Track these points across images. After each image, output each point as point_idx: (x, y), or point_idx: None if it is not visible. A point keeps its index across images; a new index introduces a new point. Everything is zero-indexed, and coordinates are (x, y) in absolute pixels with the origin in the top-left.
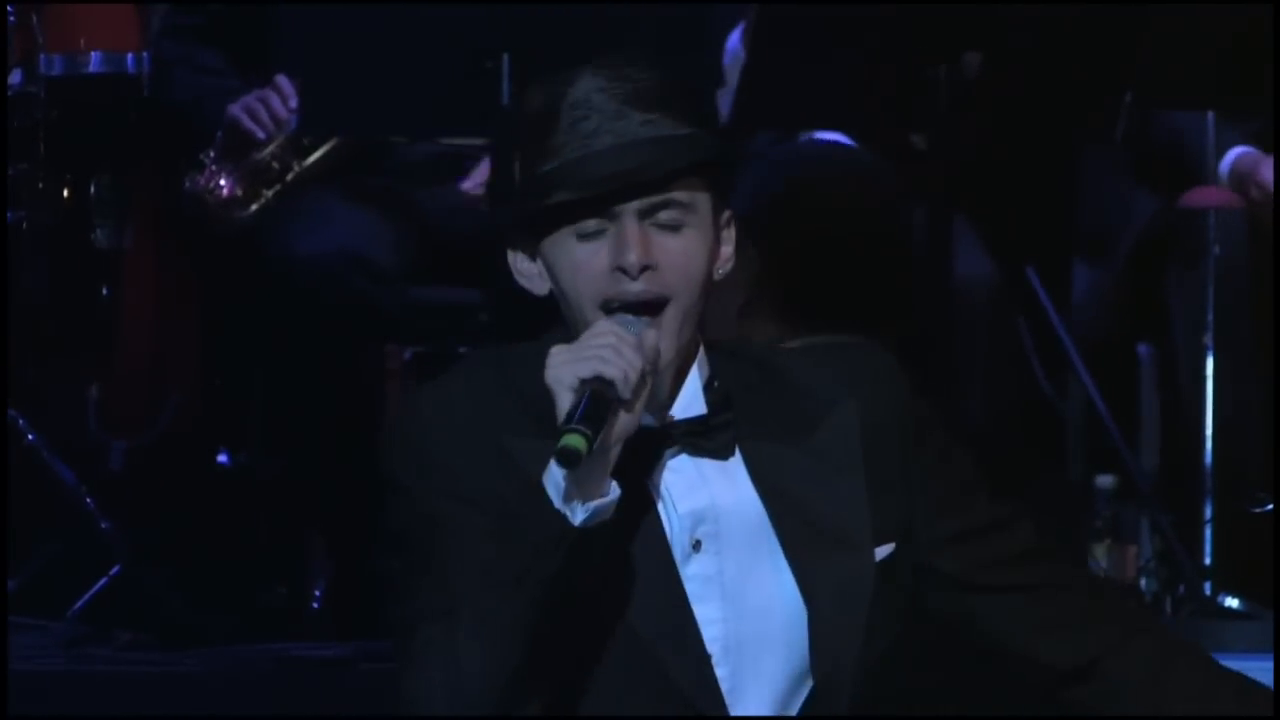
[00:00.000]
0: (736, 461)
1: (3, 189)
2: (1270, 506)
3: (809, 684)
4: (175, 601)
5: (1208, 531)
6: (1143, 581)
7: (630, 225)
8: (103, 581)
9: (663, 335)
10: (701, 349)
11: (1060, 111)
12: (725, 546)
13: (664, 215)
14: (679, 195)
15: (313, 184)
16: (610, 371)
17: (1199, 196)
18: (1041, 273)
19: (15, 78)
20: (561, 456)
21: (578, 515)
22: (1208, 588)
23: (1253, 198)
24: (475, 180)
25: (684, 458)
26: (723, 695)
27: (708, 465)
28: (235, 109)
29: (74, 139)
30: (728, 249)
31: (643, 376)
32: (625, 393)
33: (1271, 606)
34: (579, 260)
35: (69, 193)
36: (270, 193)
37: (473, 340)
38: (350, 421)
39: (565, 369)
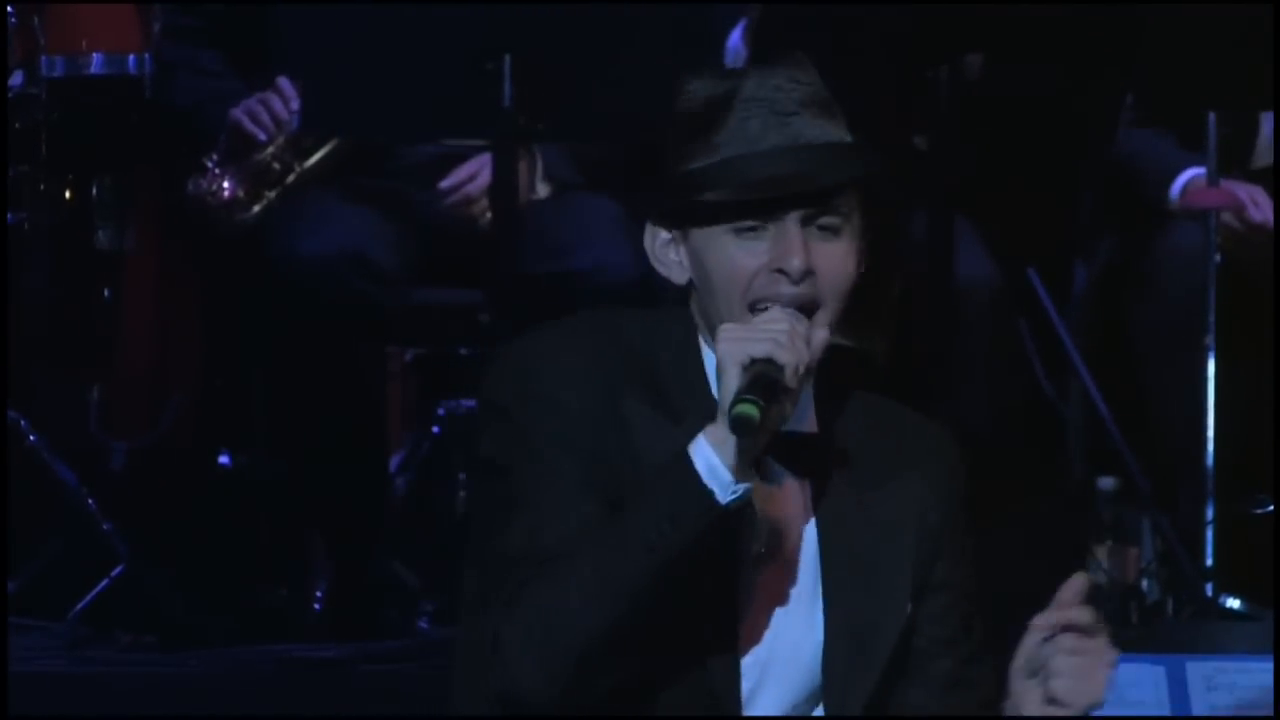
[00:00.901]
0: (804, 487)
1: (3, 190)
2: (1271, 508)
3: (816, 713)
4: (176, 603)
5: (1209, 533)
6: (1144, 583)
7: (794, 229)
8: (104, 583)
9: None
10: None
11: (1061, 113)
12: (786, 564)
13: (824, 220)
14: (839, 202)
15: (314, 185)
16: (784, 356)
17: (1200, 198)
18: (1043, 274)
19: (17, 79)
20: (736, 424)
21: (726, 494)
22: (1209, 589)
23: (1226, 223)
24: (457, 177)
25: (775, 467)
26: (741, 700)
27: (790, 480)
28: (237, 112)
29: (75, 140)
30: (869, 255)
31: (807, 370)
32: (791, 381)
33: (1273, 607)
34: (734, 257)
35: (70, 194)
36: (272, 194)
37: (474, 341)
38: (351, 423)
39: (739, 345)
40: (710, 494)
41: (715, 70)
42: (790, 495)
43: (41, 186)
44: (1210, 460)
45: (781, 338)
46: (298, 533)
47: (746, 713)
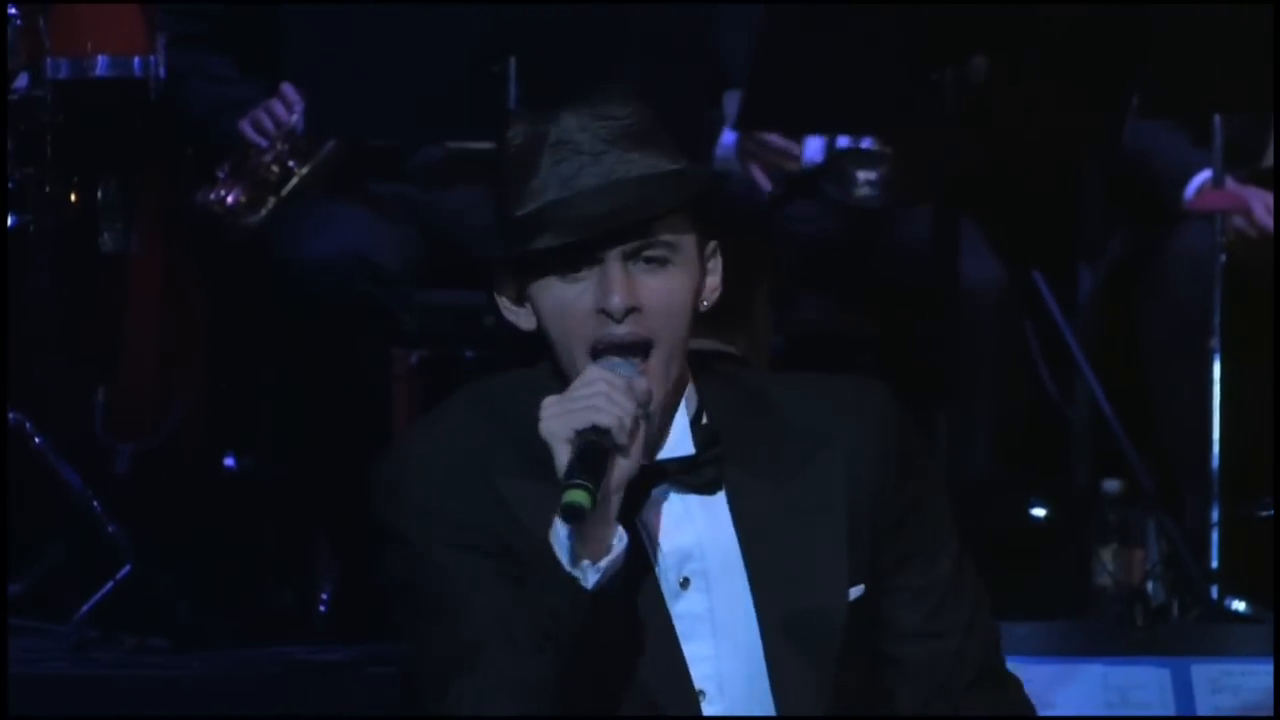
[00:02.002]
0: (722, 497)
1: (4, 193)
2: (1274, 511)
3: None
4: (182, 605)
5: (1214, 535)
6: (1149, 585)
7: (614, 268)
8: (109, 584)
9: (652, 378)
10: (690, 380)
11: (1066, 115)
12: (714, 583)
13: (648, 254)
14: (663, 234)
15: (319, 188)
16: (604, 420)
17: (1205, 200)
18: (1048, 276)
19: (22, 81)
20: (566, 513)
21: (590, 578)
22: (1214, 591)
23: (1237, 228)
24: None
25: (671, 494)
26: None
27: (694, 501)
28: (242, 124)
29: (80, 142)
30: (713, 279)
31: (636, 420)
32: (621, 439)
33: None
34: (564, 302)
35: (75, 196)
36: (275, 198)
37: (479, 343)
38: (356, 425)
39: (559, 421)
40: (575, 582)
41: (532, 112)
42: (700, 514)
43: (46, 189)
44: (1216, 463)
45: (597, 400)
46: (303, 535)
47: None
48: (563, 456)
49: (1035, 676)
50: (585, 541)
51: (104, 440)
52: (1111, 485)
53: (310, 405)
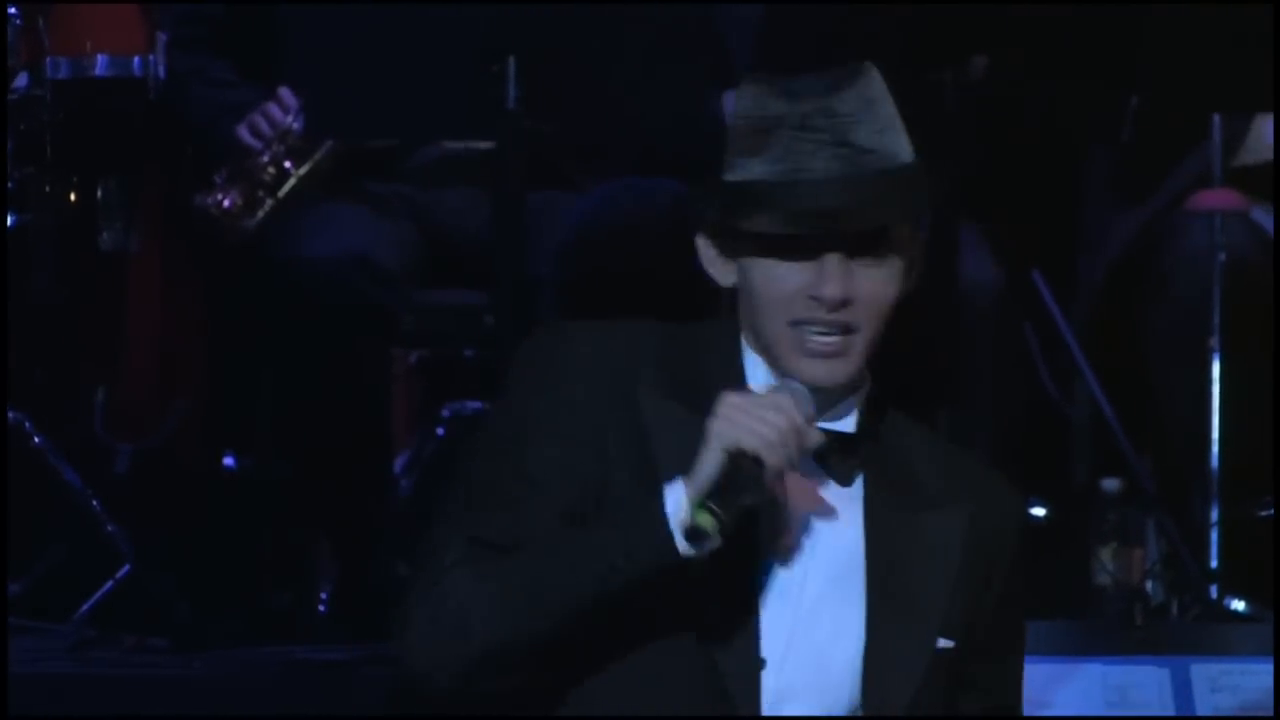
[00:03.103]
0: (853, 494)
1: (4, 192)
2: (1272, 511)
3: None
4: (181, 605)
5: (1214, 535)
6: (1149, 585)
7: (834, 260)
8: (109, 584)
9: (850, 359)
10: (868, 375)
11: (1066, 114)
12: (813, 563)
13: (868, 248)
14: (887, 230)
15: (318, 188)
16: (770, 459)
17: (1204, 199)
18: (1047, 276)
19: (21, 80)
20: (690, 533)
21: (683, 544)
22: (1214, 591)
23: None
24: None
25: (809, 464)
26: (760, 701)
27: (825, 476)
28: (239, 128)
29: (80, 142)
30: (916, 269)
31: (792, 465)
32: (770, 479)
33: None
34: (776, 276)
35: (75, 195)
36: (272, 199)
37: (479, 343)
38: (356, 424)
39: (730, 428)
40: (670, 541)
41: (774, 81)
42: (826, 494)
43: (46, 188)
44: (1215, 462)
45: (773, 435)
46: (303, 535)
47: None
48: (711, 464)
49: (1034, 676)
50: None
51: (103, 440)
52: (1111, 484)
53: (310, 405)
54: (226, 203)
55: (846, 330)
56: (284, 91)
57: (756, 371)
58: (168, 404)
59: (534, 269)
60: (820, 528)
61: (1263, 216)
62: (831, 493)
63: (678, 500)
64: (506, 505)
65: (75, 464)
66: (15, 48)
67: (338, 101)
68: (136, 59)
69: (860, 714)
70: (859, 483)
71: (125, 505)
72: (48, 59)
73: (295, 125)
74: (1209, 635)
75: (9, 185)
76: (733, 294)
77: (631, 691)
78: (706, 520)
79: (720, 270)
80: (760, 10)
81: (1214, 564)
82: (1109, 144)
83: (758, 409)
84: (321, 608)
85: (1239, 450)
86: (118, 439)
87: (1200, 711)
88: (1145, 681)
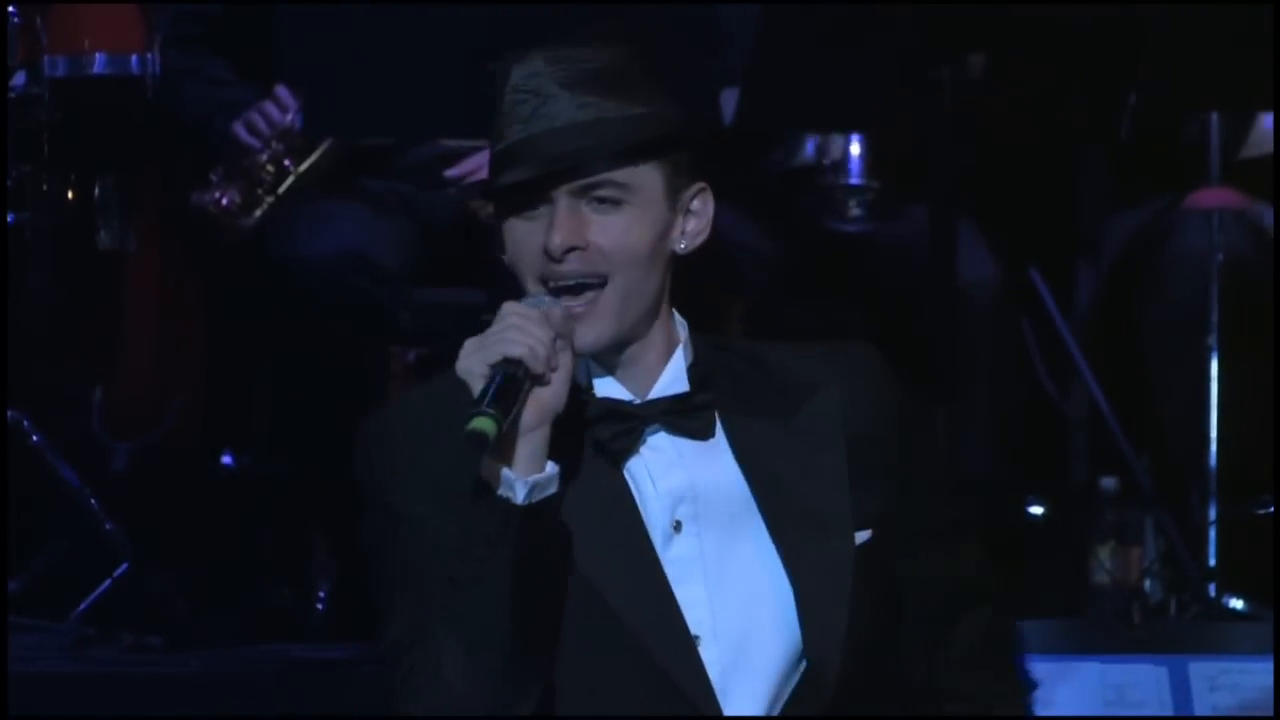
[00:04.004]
0: (718, 443)
1: (2, 191)
2: (1272, 509)
3: (801, 666)
4: (179, 603)
5: (1212, 533)
6: (1147, 583)
7: (560, 208)
8: (107, 583)
9: (601, 314)
10: (686, 337)
11: (1064, 112)
12: (705, 527)
13: (598, 194)
14: (617, 175)
15: (316, 186)
16: (514, 350)
17: (1203, 197)
18: (1045, 274)
19: (19, 79)
20: (470, 440)
21: (519, 493)
22: (1212, 589)
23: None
24: (463, 169)
25: (664, 437)
26: (709, 678)
27: (687, 445)
28: (236, 127)
29: (78, 140)
30: (695, 222)
31: (553, 347)
32: (536, 367)
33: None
34: (518, 240)
35: (73, 194)
36: (270, 198)
37: None
38: (354, 423)
39: (473, 359)
40: (507, 502)
41: (509, 53)
42: (694, 458)
43: (44, 186)
44: (1214, 461)
45: (509, 333)
46: (301, 532)
47: (735, 689)
48: (477, 383)
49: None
50: (518, 466)
51: (101, 438)
52: (1109, 483)
53: (308, 403)
54: (224, 201)
55: (588, 286)
56: (281, 90)
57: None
58: (165, 402)
59: None
60: (700, 490)
61: (1263, 212)
62: (697, 451)
63: (489, 467)
64: (414, 584)
65: (73, 462)
66: (13, 46)
67: (336, 100)
68: (134, 58)
69: (804, 640)
70: (719, 431)
71: (123, 503)
72: (46, 57)
73: (293, 124)
74: (1207, 634)
75: (7, 183)
76: None
77: (587, 696)
78: (479, 422)
79: (501, 249)
80: (760, 10)
81: (1212, 562)
82: (1107, 144)
83: (486, 331)
84: (319, 606)
85: (1237, 449)
86: (115, 437)
87: (1198, 710)
88: (1143, 680)
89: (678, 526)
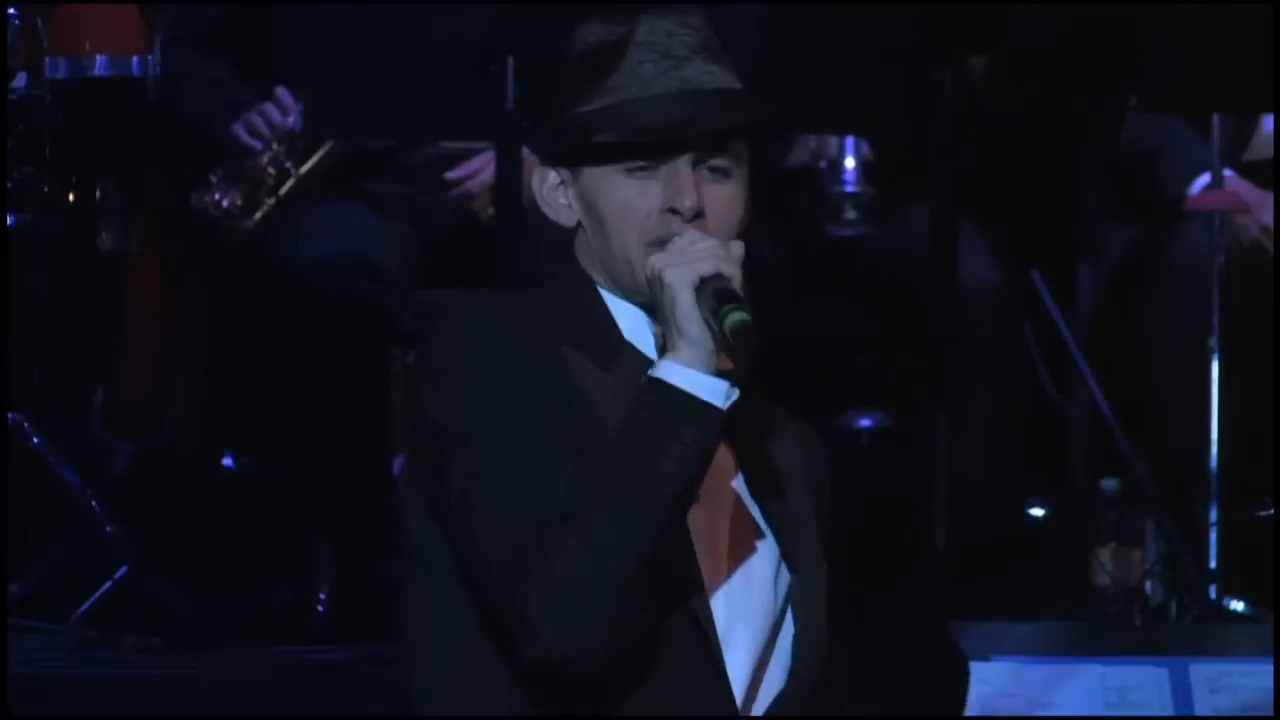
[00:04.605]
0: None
1: (3, 192)
2: (1273, 511)
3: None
4: (180, 604)
5: (1213, 535)
6: (1148, 585)
7: (686, 169)
8: (108, 585)
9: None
10: None
11: (1065, 115)
12: (720, 501)
13: (714, 162)
14: (732, 146)
15: (317, 188)
16: (727, 269)
17: (1203, 199)
18: (1046, 276)
19: (20, 81)
20: (738, 331)
21: (723, 399)
22: (1213, 591)
23: (1239, 234)
24: (463, 171)
25: None
26: (718, 632)
27: None
28: (236, 127)
29: (79, 142)
30: (750, 212)
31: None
32: (737, 288)
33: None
34: (628, 197)
35: (74, 196)
36: (271, 200)
37: None
38: (355, 425)
39: (682, 269)
40: (710, 405)
41: (607, 14)
42: None
43: (45, 188)
44: (1214, 462)
45: (719, 250)
46: (302, 534)
47: (725, 645)
48: (687, 302)
49: (1033, 676)
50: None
51: (102, 440)
52: (1110, 485)
53: (309, 405)
54: (225, 202)
55: None
56: (282, 91)
57: (624, 318)
58: (167, 404)
59: (533, 268)
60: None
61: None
62: None
63: (686, 376)
64: (531, 480)
65: (74, 464)
66: (14, 48)
67: (337, 102)
68: (135, 59)
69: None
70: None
71: (124, 505)
72: (47, 59)
73: (294, 125)
74: (1208, 636)
75: (8, 185)
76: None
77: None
78: (741, 314)
79: (560, 207)
80: (760, 10)
81: (1213, 564)
82: (1107, 145)
83: (684, 247)
84: (321, 608)
85: (1238, 451)
86: (117, 439)
87: (1199, 712)
88: (1144, 682)
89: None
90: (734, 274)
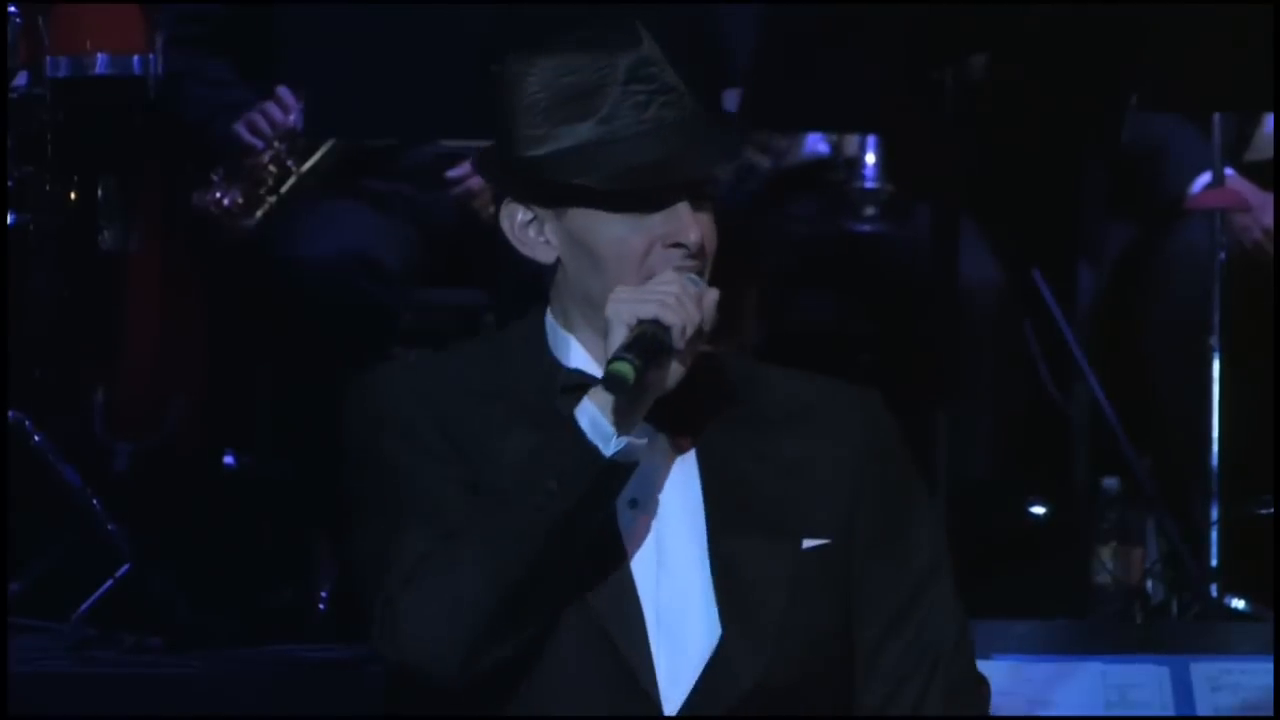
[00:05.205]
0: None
1: (4, 191)
2: (1274, 509)
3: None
4: (181, 603)
5: (1214, 533)
6: (1149, 584)
7: (684, 204)
8: (108, 583)
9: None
10: None
11: (1065, 114)
12: (656, 508)
13: (703, 191)
14: (717, 174)
15: (317, 187)
16: (670, 318)
17: (1204, 198)
18: (1047, 275)
19: (21, 80)
20: (609, 380)
21: (609, 447)
22: (1214, 590)
23: (1240, 237)
24: (464, 169)
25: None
26: (650, 650)
27: (653, 433)
28: (238, 126)
29: (80, 141)
30: None
31: (698, 332)
32: (678, 342)
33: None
34: (622, 236)
35: (75, 195)
36: (271, 199)
37: None
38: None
39: (626, 306)
40: (594, 448)
41: (563, 49)
42: (657, 448)
43: (46, 187)
44: (1215, 461)
45: (669, 299)
46: (302, 533)
47: (659, 667)
48: (618, 337)
49: (1034, 675)
50: (617, 417)
51: (103, 439)
52: (1111, 483)
53: (309, 404)
54: (226, 201)
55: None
56: (283, 90)
57: (568, 352)
58: (167, 403)
59: (534, 267)
60: (655, 475)
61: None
62: (659, 443)
63: (589, 413)
64: (429, 513)
65: (75, 463)
66: (15, 47)
67: (338, 101)
68: (136, 58)
69: (722, 636)
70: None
71: (125, 504)
72: (47, 58)
73: (295, 124)
74: (1209, 634)
75: (9, 184)
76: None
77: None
78: (621, 366)
79: (538, 246)
80: (760, 10)
81: (1214, 563)
82: (1107, 145)
83: (647, 287)
84: (321, 606)
85: (1239, 449)
86: (117, 438)
87: (1200, 711)
88: (1145, 681)
89: (633, 504)
90: (675, 323)
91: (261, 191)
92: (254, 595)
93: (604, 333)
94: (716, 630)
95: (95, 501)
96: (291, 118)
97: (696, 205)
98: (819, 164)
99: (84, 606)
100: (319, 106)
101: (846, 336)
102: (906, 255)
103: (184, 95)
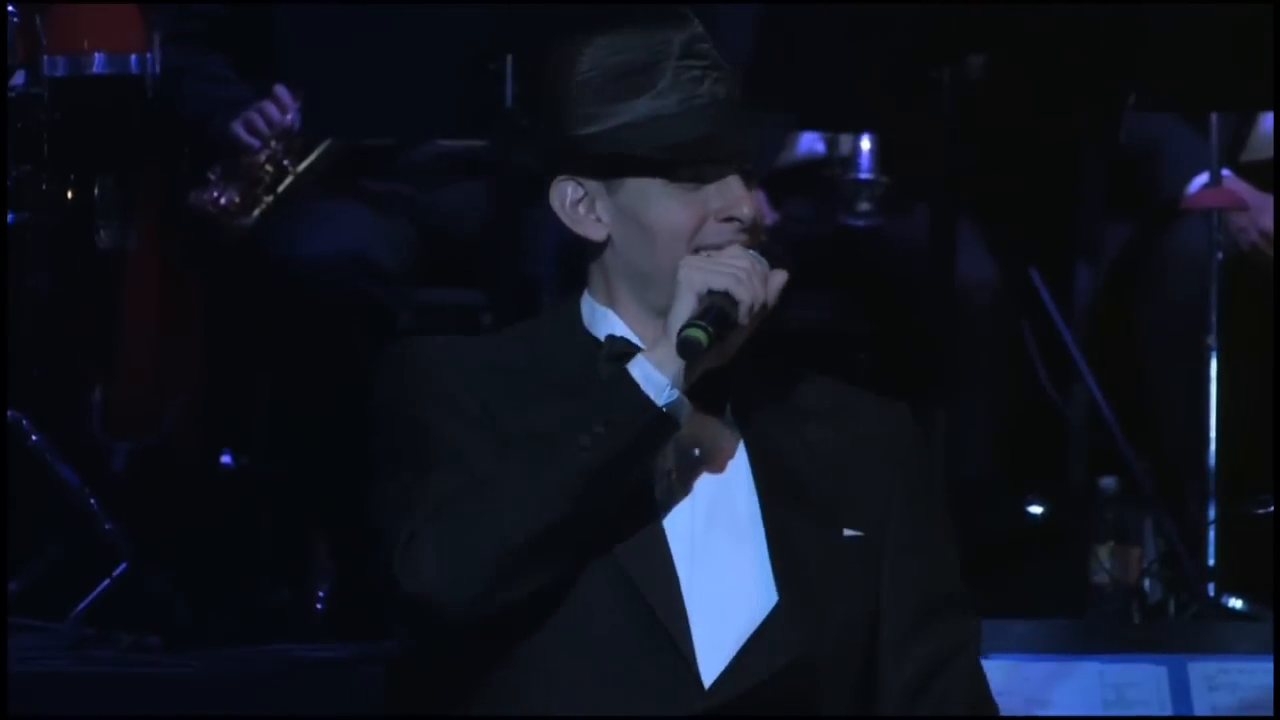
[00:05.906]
0: (726, 422)
1: (4, 190)
2: (1271, 508)
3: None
4: (178, 603)
5: (1211, 533)
6: (1146, 583)
7: (737, 180)
8: (106, 583)
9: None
10: None
11: (1064, 113)
12: (697, 477)
13: (750, 167)
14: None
15: (316, 186)
16: (741, 292)
17: (1202, 198)
18: (1045, 274)
19: (19, 79)
20: (684, 345)
21: (661, 398)
22: (1211, 589)
23: (1238, 238)
24: None
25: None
26: (689, 622)
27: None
28: (235, 126)
29: (78, 140)
30: None
31: (761, 310)
32: (744, 318)
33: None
34: (677, 210)
35: (73, 194)
36: (269, 198)
37: None
38: (354, 423)
39: (700, 274)
40: (646, 398)
41: (617, 29)
42: (706, 420)
43: (43, 186)
44: (1213, 460)
45: (741, 274)
46: (300, 533)
47: (696, 634)
48: (686, 306)
49: (1032, 675)
50: (672, 378)
51: (101, 438)
52: (1108, 483)
53: (307, 403)
54: (223, 200)
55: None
56: (280, 89)
57: (607, 327)
58: (165, 402)
59: (533, 267)
60: (704, 449)
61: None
62: (704, 422)
63: (643, 368)
64: (453, 467)
65: (73, 462)
66: (13, 46)
67: (336, 100)
68: (134, 57)
69: (776, 605)
70: (729, 411)
71: (123, 503)
72: (45, 57)
73: (292, 123)
74: (1206, 633)
75: (7, 183)
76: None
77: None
78: (696, 332)
79: (589, 224)
80: (760, 10)
81: (1211, 562)
82: (1105, 145)
83: (719, 258)
84: (319, 606)
85: (1236, 449)
86: (115, 437)
87: (1198, 710)
88: (1143, 680)
89: (680, 473)
90: (745, 299)
91: (259, 191)
92: (252, 595)
93: (652, 307)
94: (769, 598)
95: (93, 501)
96: (289, 117)
97: (744, 179)
98: (815, 163)
99: (82, 606)
100: (317, 106)
101: (844, 336)
102: (904, 254)
103: (182, 91)
